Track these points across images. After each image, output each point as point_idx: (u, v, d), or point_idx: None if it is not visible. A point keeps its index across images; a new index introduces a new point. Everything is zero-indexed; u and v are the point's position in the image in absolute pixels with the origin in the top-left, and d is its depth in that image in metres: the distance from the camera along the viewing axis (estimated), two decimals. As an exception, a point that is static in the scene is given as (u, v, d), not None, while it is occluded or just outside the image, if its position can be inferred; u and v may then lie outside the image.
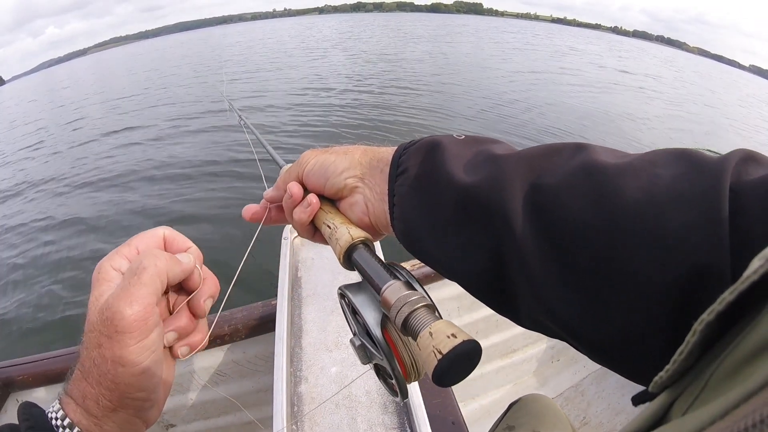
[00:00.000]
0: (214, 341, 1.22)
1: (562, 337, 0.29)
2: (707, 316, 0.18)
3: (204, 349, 0.39)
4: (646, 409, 0.22)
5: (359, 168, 0.40)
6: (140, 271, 0.32)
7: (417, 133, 6.30)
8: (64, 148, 6.97)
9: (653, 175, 0.26)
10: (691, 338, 0.19)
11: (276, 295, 1.16)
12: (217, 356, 1.28)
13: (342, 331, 1.06)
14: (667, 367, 0.21)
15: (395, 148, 0.39)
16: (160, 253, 0.34)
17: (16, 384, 1.08)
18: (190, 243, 0.40)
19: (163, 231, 0.39)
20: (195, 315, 0.37)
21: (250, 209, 0.46)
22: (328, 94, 9.13)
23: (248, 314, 1.24)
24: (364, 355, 0.35)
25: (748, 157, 0.25)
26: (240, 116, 1.25)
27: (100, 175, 5.39)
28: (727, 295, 0.18)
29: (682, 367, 0.20)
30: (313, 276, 1.26)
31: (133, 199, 4.51)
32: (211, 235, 3.57)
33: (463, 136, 0.37)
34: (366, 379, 0.94)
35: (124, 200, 4.54)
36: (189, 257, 0.38)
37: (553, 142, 0.33)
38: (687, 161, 0.26)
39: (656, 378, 0.22)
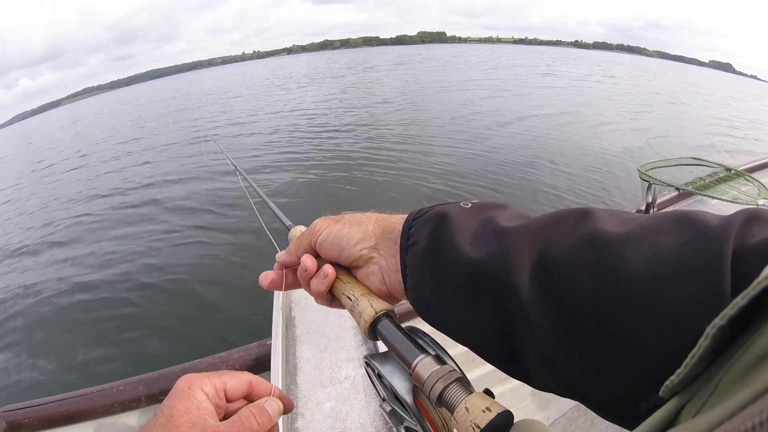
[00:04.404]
0: None
1: (573, 398, 0.31)
2: (720, 320, 0.19)
3: None
4: (656, 413, 0.22)
5: (373, 239, 0.40)
6: (251, 426, 0.38)
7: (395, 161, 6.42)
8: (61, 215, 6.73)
9: (656, 244, 0.26)
10: (703, 342, 0.20)
11: (271, 335, 1.19)
12: (216, 398, 1.30)
13: (335, 367, 1.08)
14: (679, 371, 0.21)
15: (405, 217, 0.40)
16: (266, 416, 0.40)
17: (23, 426, 1.14)
18: (269, 388, 0.44)
19: (250, 378, 0.44)
20: None
21: (267, 277, 0.46)
22: (307, 134, 9.41)
23: (245, 354, 1.25)
24: (396, 420, 0.37)
25: (752, 217, 0.26)
26: (245, 176, 1.22)
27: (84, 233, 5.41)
28: (740, 300, 0.18)
29: (694, 372, 0.20)
30: (306, 315, 1.28)
31: (130, 256, 4.57)
32: (219, 296, 3.63)
33: (470, 204, 0.37)
34: (360, 413, 0.96)
35: (122, 258, 4.59)
36: (277, 408, 0.42)
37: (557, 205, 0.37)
38: (689, 228, 0.26)
39: (667, 382, 0.22)
